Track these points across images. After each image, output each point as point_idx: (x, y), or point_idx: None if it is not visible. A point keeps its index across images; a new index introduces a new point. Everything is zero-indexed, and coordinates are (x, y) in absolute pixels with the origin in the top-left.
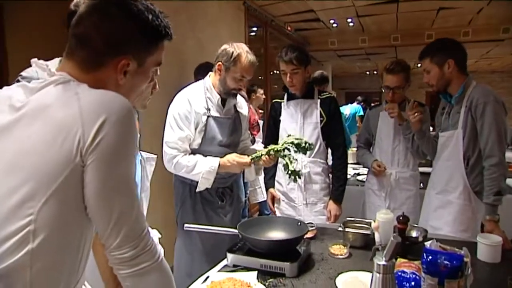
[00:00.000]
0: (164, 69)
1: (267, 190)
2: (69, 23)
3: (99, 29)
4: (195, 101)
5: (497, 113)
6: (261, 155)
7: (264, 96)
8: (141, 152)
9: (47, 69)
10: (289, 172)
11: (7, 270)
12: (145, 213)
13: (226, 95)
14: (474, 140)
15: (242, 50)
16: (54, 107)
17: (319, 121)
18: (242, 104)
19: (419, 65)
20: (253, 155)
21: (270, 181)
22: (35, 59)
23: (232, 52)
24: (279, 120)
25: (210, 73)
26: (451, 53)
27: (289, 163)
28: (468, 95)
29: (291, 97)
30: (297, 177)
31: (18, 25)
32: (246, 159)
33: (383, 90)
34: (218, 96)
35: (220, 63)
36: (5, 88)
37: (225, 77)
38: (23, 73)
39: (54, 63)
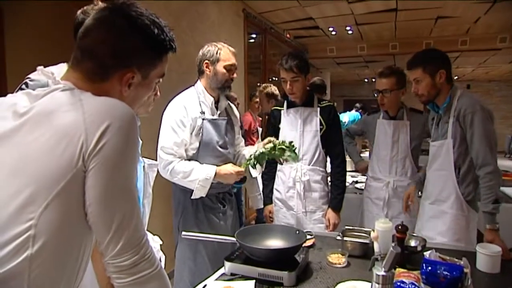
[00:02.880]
0: None
1: (264, 205)
2: (76, 33)
3: (105, 42)
4: (190, 106)
5: (485, 122)
6: (257, 156)
7: (257, 105)
8: (144, 158)
9: (52, 77)
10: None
11: (5, 275)
12: (147, 219)
13: (222, 89)
14: (464, 149)
15: (221, 45)
16: (57, 113)
17: (318, 129)
18: (233, 108)
19: None
20: (245, 162)
21: (268, 197)
22: (41, 67)
23: (214, 49)
24: (279, 128)
25: (198, 79)
26: (442, 64)
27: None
28: (455, 104)
29: (291, 105)
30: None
31: (18, 27)
32: (241, 168)
33: (375, 94)
34: (212, 99)
35: (206, 61)
36: (9, 95)
37: (215, 72)
38: (32, 76)
39: (60, 68)
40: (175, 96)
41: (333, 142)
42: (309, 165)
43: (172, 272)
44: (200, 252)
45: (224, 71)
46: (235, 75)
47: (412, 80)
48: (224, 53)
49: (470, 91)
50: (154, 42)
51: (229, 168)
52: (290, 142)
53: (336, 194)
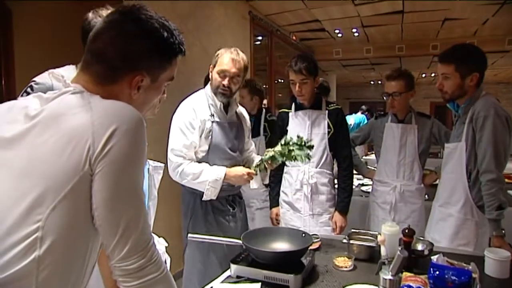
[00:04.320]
0: None
1: (271, 207)
2: (83, 38)
3: (115, 46)
4: (199, 109)
5: (496, 128)
6: (263, 161)
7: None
8: (149, 160)
9: (63, 80)
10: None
11: (13, 277)
12: (152, 221)
13: (215, 94)
14: (475, 153)
15: (228, 50)
16: (66, 116)
17: (326, 132)
18: (244, 114)
19: (423, 75)
20: (255, 164)
21: (274, 199)
22: (52, 70)
23: (217, 52)
24: (286, 130)
25: (209, 82)
26: (478, 66)
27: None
28: (474, 105)
29: (299, 107)
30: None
31: (27, 28)
32: (251, 169)
33: (384, 98)
34: (220, 102)
35: (211, 65)
36: (21, 98)
37: (211, 76)
38: (37, 79)
39: (67, 70)
40: (182, 99)
41: (340, 145)
42: (316, 167)
43: (177, 273)
44: (210, 255)
45: (216, 76)
46: (230, 83)
47: (440, 74)
48: (221, 58)
49: None
50: (164, 46)
51: (239, 169)
52: (301, 138)
53: (343, 197)
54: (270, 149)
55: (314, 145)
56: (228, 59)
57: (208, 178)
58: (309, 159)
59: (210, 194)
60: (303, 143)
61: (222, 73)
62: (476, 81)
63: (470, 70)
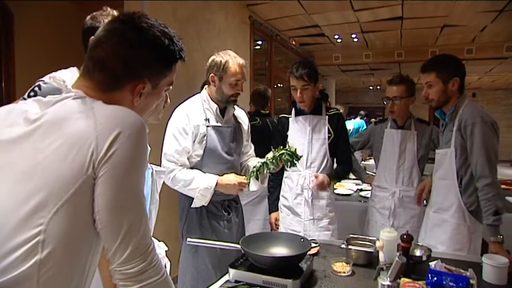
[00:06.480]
0: None
1: (270, 212)
2: (84, 38)
3: (117, 54)
4: (193, 114)
5: (485, 134)
6: (259, 167)
7: None
8: (152, 165)
9: (64, 85)
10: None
11: (14, 280)
12: (153, 225)
13: (226, 103)
14: (465, 159)
15: (229, 56)
16: (69, 121)
17: (327, 137)
18: (242, 116)
19: None
20: (249, 174)
21: (274, 204)
22: (53, 74)
23: (221, 61)
24: (286, 135)
25: (205, 86)
26: (457, 71)
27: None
28: (460, 113)
29: (299, 113)
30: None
31: (28, 30)
32: (244, 178)
33: (384, 102)
34: (216, 106)
35: (212, 74)
36: (21, 102)
37: (220, 86)
38: (45, 79)
39: (71, 72)
40: (181, 102)
41: (340, 150)
42: (317, 172)
43: (176, 277)
44: (203, 259)
45: (230, 88)
46: (241, 89)
47: (424, 83)
48: (231, 67)
49: (476, 99)
50: (165, 53)
51: (231, 178)
52: (290, 149)
53: (337, 172)
54: (262, 159)
55: (315, 150)
56: (238, 67)
57: (199, 186)
58: (294, 164)
59: (199, 202)
60: (293, 153)
61: (235, 82)
62: (457, 86)
63: (450, 75)
